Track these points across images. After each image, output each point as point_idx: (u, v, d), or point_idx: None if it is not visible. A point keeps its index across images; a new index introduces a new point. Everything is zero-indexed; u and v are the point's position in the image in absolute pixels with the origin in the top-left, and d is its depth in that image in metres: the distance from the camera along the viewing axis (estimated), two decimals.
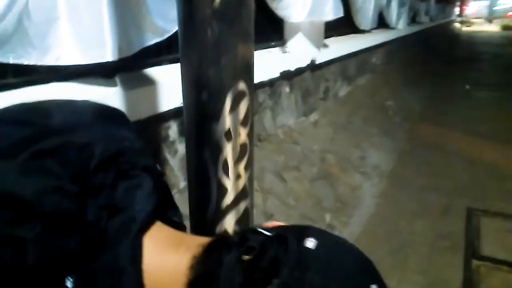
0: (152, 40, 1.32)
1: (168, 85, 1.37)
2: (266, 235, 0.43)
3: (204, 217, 0.69)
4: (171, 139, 1.50)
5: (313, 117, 2.86)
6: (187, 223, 0.70)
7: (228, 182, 0.67)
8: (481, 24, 19.59)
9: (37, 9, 0.97)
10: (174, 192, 1.48)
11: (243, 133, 0.66)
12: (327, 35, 2.96)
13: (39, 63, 1.02)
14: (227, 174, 0.67)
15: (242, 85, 0.62)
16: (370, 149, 3.13)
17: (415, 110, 4.59)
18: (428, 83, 5.86)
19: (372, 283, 0.40)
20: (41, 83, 1.13)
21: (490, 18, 21.05)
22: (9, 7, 0.90)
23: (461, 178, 2.92)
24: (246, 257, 0.41)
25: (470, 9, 21.92)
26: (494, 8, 22.25)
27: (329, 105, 3.19)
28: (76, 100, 0.54)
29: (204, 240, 0.46)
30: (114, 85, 1.24)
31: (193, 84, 0.61)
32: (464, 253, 2.06)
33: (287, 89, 2.50)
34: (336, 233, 2.07)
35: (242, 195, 0.70)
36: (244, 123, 0.65)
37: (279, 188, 2.03)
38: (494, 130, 3.86)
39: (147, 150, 0.53)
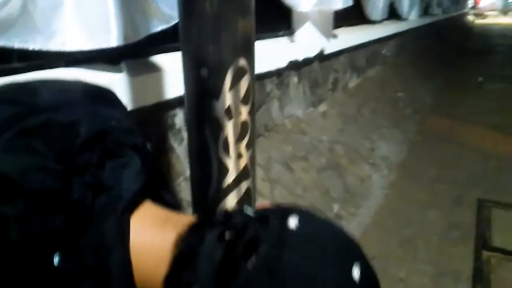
0: (158, 27, 1.31)
1: (175, 72, 1.36)
2: (249, 214, 0.44)
3: (205, 197, 0.68)
4: (177, 126, 1.50)
5: (322, 108, 2.84)
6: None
7: (229, 161, 0.67)
8: (496, 16, 19.21)
9: None
10: (180, 180, 1.48)
11: (244, 111, 0.65)
12: (337, 26, 2.93)
13: (44, 48, 1.03)
14: (227, 153, 0.66)
15: (242, 62, 0.62)
16: (380, 140, 3.10)
17: (426, 102, 4.53)
18: (440, 75, 5.77)
19: (354, 263, 0.39)
20: (46, 68, 1.14)
21: (505, 10, 20.64)
22: None
23: (473, 169, 2.88)
24: (227, 235, 0.41)
25: (484, 1, 21.52)
26: (510, 1, 21.81)
27: (338, 96, 3.16)
28: (64, 80, 0.55)
29: (191, 218, 0.47)
30: (120, 71, 1.24)
31: (192, 60, 0.61)
32: (474, 244, 2.04)
33: (295, 79, 2.48)
34: (344, 223, 2.06)
35: (243, 175, 0.69)
36: (245, 101, 0.65)
37: (286, 178, 2.02)
38: (507, 122, 3.79)
39: (137, 130, 0.52)
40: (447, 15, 9.08)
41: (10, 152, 0.40)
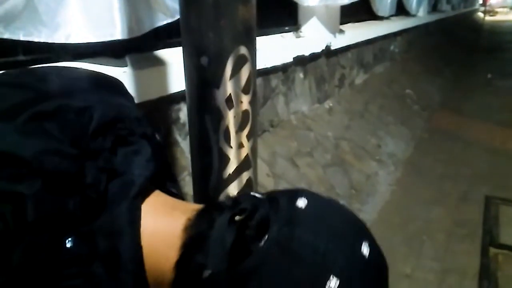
0: (163, 20, 1.32)
1: (179, 66, 1.36)
2: (258, 197, 0.44)
3: (206, 186, 0.68)
4: (181, 121, 1.50)
5: (328, 104, 2.82)
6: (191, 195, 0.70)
7: (230, 151, 0.67)
8: (506, 13, 18.96)
9: None
10: (184, 174, 1.48)
11: (245, 101, 0.65)
12: (343, 21, 2.91)
13: (49, 40, 1.03)
14: (228, 142, 0.66)
15: (243, 50, 0.61)
16: (387, 137, 3.08)
17: (434, 99, 4.49)
18: (449, 72, 5.72)
19: (363, 240, 0.40)
20: (51, 62, 1.14)
21: None
22: None
23: (481, 166, 2.85)
24: (238, 217, 0.42)
25: None
26: None
27: (344, 92, 3.14)
28: (72, 67, 0.55)
29: (199, 206, 0.47)
30: (125, 65, 1.24)
31: (192, 48, 0.60)
32: (481, 241, 2.01)
33: (301, 75, 2.47)
34: None
35: (244, 165, 0.69)
36: (246, 90, 0.64)
37: (291, 174, 2.02)
38: None
39: (146, 119, 0.53)
40: (456, 12, 8.98)
41: (25, 135, 0.41)
